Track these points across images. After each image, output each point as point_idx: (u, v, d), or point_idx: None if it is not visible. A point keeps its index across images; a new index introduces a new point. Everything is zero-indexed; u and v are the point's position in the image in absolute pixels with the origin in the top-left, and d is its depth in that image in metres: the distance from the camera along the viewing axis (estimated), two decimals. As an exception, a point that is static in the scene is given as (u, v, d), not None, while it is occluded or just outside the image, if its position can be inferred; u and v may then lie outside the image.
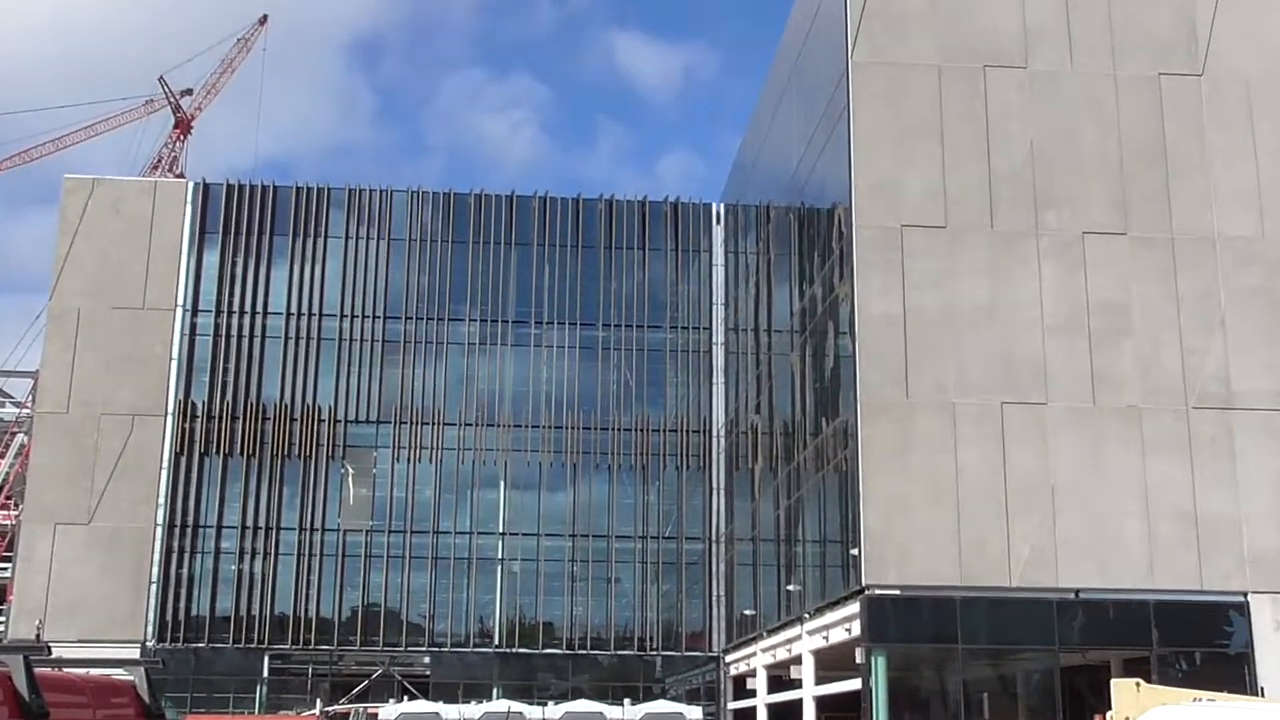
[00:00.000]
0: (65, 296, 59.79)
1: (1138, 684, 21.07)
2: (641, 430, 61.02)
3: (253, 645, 57.79)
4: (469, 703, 53.86)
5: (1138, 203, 36.38)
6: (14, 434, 69.34)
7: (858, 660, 34.12)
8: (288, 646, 58.16)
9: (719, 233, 63.16)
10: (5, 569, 63.70)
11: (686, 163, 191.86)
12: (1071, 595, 33.96)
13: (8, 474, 68.64)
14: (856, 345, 35.41)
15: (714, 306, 62.42)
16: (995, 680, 36.08)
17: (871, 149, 36.56)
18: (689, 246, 63.30)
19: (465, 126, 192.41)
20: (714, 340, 61.99)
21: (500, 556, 59.93)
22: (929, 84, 36.84)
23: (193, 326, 60.64)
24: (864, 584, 33.95)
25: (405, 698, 53.93)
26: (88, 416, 58.38)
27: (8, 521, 67.87)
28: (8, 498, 68.85)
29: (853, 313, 35.76)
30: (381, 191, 63.03)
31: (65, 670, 13.79)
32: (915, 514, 34.29)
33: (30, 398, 67.91)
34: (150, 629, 57.18)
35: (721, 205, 63.44)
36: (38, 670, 11.17)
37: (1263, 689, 32.51)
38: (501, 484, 60.68)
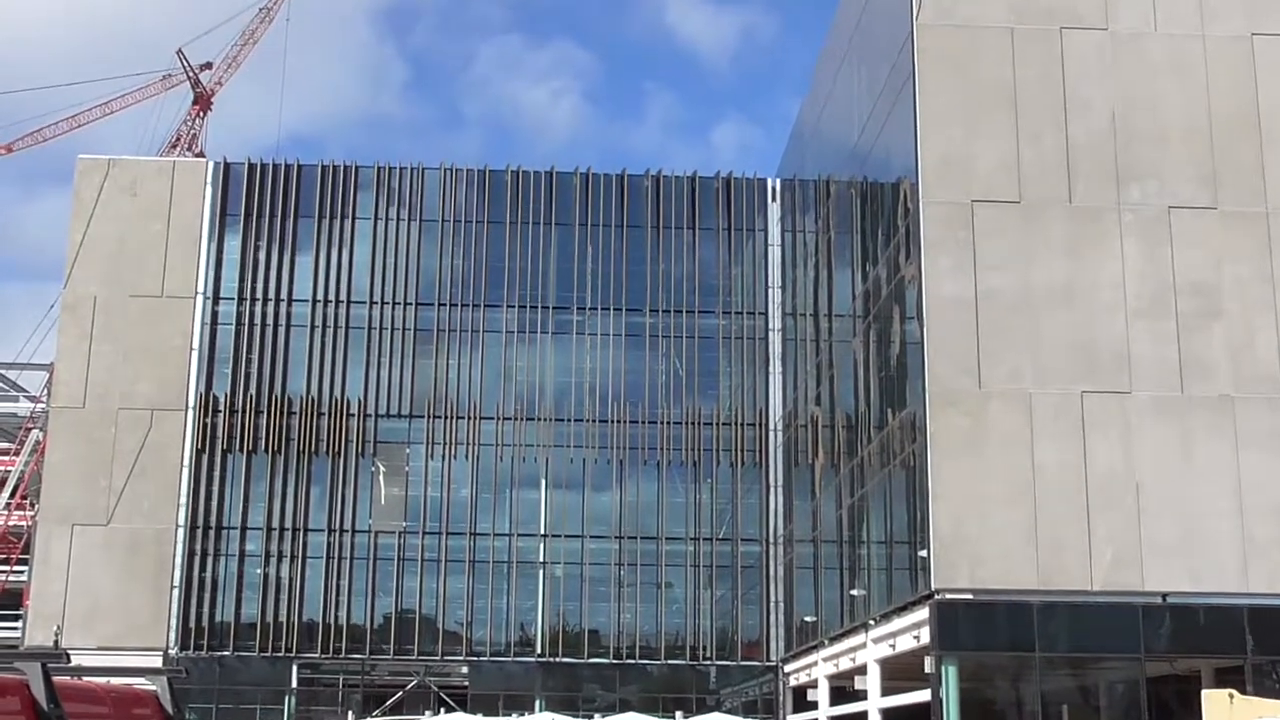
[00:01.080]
0: (80, 284, 60.45)
1: (1231, 695, 20.96)
2: (693, 424, 61.00)
3: (280, 654, 58.26)
4: (509, 715, 54.30)
5: (1229, 174, 36.04)
6: (29, 430, 70.10)
7: (927, 670, 34.08)
8: (317, 655, 58.58)
9: (775, 210, 62.97)
10: (21, 572, 64.36)
11: (743, 133, 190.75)
12: (1158, 600, 33.76)
13: (22, 473, 69.44)
14: (924, 331, 35.29)
15: (770, 290, 62.31)
16: (1075, 692, 36.02)
17: (939, 118, 36.44)
18: (743, 225, 63.16)
19: (503, 96, 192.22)
20: (770, 326, 61.87)
21: (542, 560, 60.08)
22: (1001, 47, 36.66)
23: (214, 315, 61.12)
24: (933, 588, 33.89)
25: (442, 710, 54.30)
26: (104, 411, 59.01)
27: (23, 523, 68.64)
28: (23, 497, 69.65)
29: (920, 296, 35.65)
30: (413, 169, 63.26)
31: (85, 679, 14.00)
32: (989, 513, 34.20)
33: (45, 392, 68.57)
34: (172, 636, 57.75)
35: (778, 180, 63.27)
36: (56, 679, 11.35)
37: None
38: (543, 482, 60.83)
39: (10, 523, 70.58)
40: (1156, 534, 34.01)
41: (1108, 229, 35.67)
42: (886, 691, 39.65)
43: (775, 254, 62.50)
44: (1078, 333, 35.18)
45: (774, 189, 63.34)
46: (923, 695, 35.06)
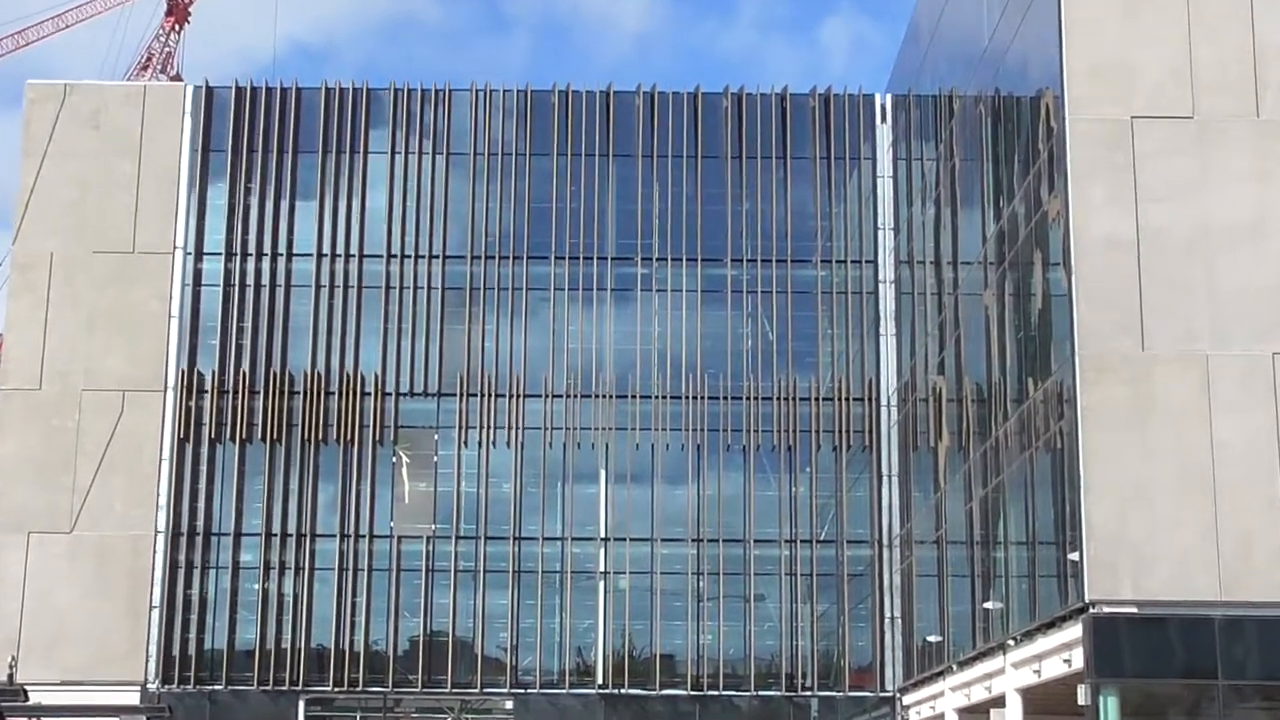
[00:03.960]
0: (33, 238, 60.88)
1: None
2: (786, 400, 60.85)
3: (284, 687, 58.61)
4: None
5: None
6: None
7: (1081, 701, 34.02)
8: (329, 689, 58.95)
9: (885, 134, 62.72)
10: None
11: (857, 29, 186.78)
12: (1374, 612, 33.58)
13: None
14: (1074, 280, 35.25)
15: (880, 233, 62.13)
16: (1269, 727, 35.67)
17: (1090, 14, 36.33)
18: (846, 153, 62.86)
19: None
20: (880, 278, 61.75)
21: (603, 569, 60.27)
22: (1168, -77, 36.43)
23: (197, 275, 61.46)
24: (1088, 600, 33.83)
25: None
26: (65, 394, 59.48)
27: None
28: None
29: (1067, 236, 35.57)
30: (438, 91, 63.36)
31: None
32: (1157, 505, 34.13)
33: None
34: (152, 667, 58.12)
35: (889, 97, 63.02)
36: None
37: None
38: (603, 474, 61.02)
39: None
40: (1370, 530, 33.68)
41: (1305, 149, 35.41)
42: (1031, 728, 39.63)
43: (886, 188, 62.24)
44: (1268, 279, 34.93)
45: (884, 107, 63.00)
46: (1076, 733, 34.90)
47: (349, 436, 60.61)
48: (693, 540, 60.14)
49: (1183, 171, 35.49)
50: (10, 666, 54.25)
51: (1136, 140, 35.63)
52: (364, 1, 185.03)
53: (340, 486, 60.40)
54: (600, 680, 59.29)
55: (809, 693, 59.12)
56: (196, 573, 59.39)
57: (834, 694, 59.08)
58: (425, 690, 59.19)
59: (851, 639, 59.52)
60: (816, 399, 61.08)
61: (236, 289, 61.50)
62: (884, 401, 60.73)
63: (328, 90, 63.04)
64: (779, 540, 60.10)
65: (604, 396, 61.12)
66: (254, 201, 62.21)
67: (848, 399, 61.02)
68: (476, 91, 63.42)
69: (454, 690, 59.10)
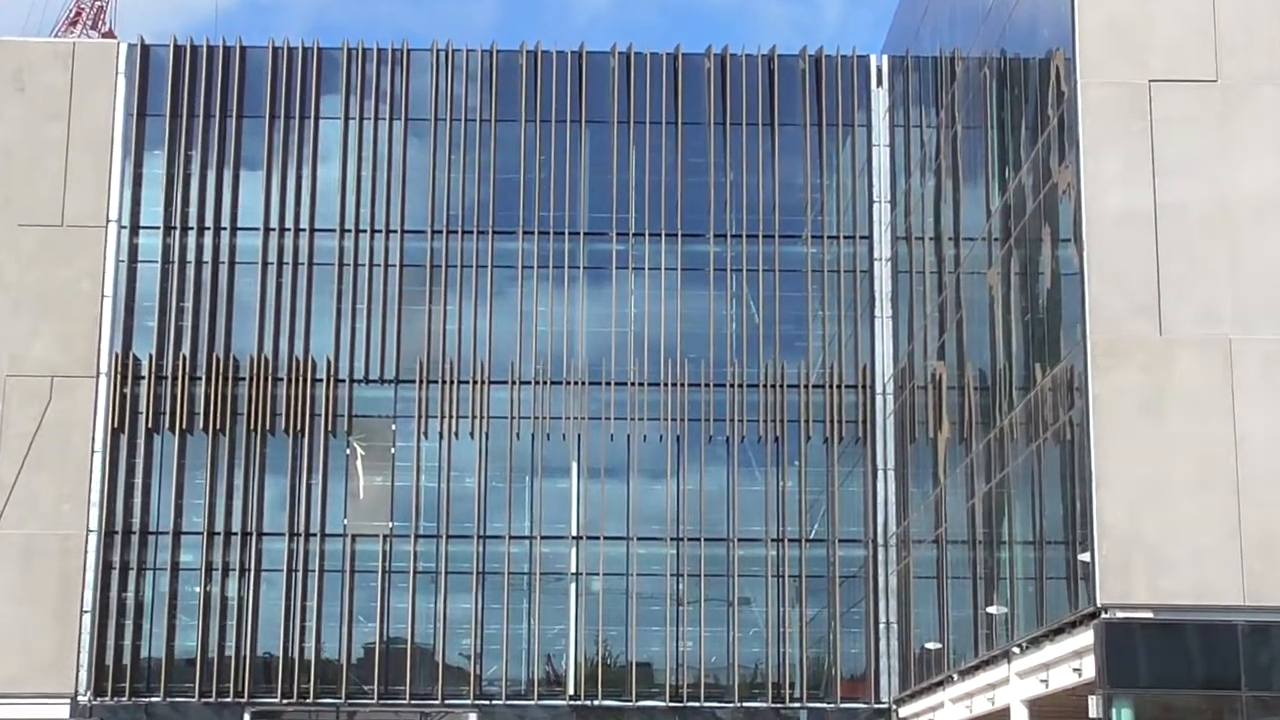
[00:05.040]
0: (-48, 211, 60.79)
1: None
2: (773, 387, 60.82)
3: (227, 699, 58.44)
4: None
5: None
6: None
7: (1092, 714, 34.01)
8: (277, 701, 58.84)
9: (881, 99, 62.71)
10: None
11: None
12: None
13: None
14: (1085, 258, 35.27)
15: (875, 206, 62.08)
16: (1297, 743, 35.77)
17: (1105, -32, 36.32)
18: (839, 120, 62.72)
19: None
20: (875, 255, 61.70)
21: (574, 570, 60.32)
22: None
23: (132, 250, 61.22)
24: (1100, 604, 33.88)
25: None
26: (-12, 380, 59.52)
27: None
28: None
29: (1079, 210, 35.58)
30: (396, 51, 63.15)
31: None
32: (1175, 502, 34.18)
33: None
34: (84, 677, 57.90)
35: (885, 58, 63.06)
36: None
37: None
38: (574, 467, 61.03)
39: None
40: (1407, 528, 33.78)
41: (1338, 115, 35.53)
42: (1038, 743, 39.78)
43: (882, 158, 62.22)
44: (1296, 257, 34.97)
45: (880, 70, 63.02)
46: (1087, 748, 35.08)
47: (299, 426, 60.46)
48: (672, 539, 60.15)
49: (1204, 140, 35.52)
50: (-72, 678, 54.11)
51: (1155, 106, 35.63)
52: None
53: (289, 481, 60.29)
54: (571, 691, 59.27)
55: (798, 704, 59.12)
56: (132, 574, 59.18)
57: (824, 705, 59.09)
58: (382, 702, 59.07)
59: (844, 646, 59.55)
60: (806, 386, 61.05)
61: (176, 266, 61.21)
62: (879, 389, 60.73)
63: (275, 49, 62.75)
64: (765, 539, 60.08)
65: (576, 383, 61.04)
66: (195, 171, 61.95)
67: (840, 386, 60.98)
68: (438, 52, 63.20)
69: (413, 702, 59.03)
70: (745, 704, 58.99)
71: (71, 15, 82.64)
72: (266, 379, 60.64)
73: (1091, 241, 35.26)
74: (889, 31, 63.95)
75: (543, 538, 60.25)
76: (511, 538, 60.13)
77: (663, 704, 59.02)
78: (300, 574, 59.57)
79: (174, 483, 59.94)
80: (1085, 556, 34.64)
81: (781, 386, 60.93)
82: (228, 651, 58.76)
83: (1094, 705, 33.88)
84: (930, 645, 51.77)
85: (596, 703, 59.01)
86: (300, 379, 60.68)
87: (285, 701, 58.78)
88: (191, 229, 61.51)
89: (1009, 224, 42.67)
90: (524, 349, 61.25)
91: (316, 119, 62.72)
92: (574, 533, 60.56)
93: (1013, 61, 43.16)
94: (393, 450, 60.89)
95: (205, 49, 62.67)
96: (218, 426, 60.27)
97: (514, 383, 60.97)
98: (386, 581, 59.77)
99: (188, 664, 58.79)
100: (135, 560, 59.33)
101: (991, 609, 43.65)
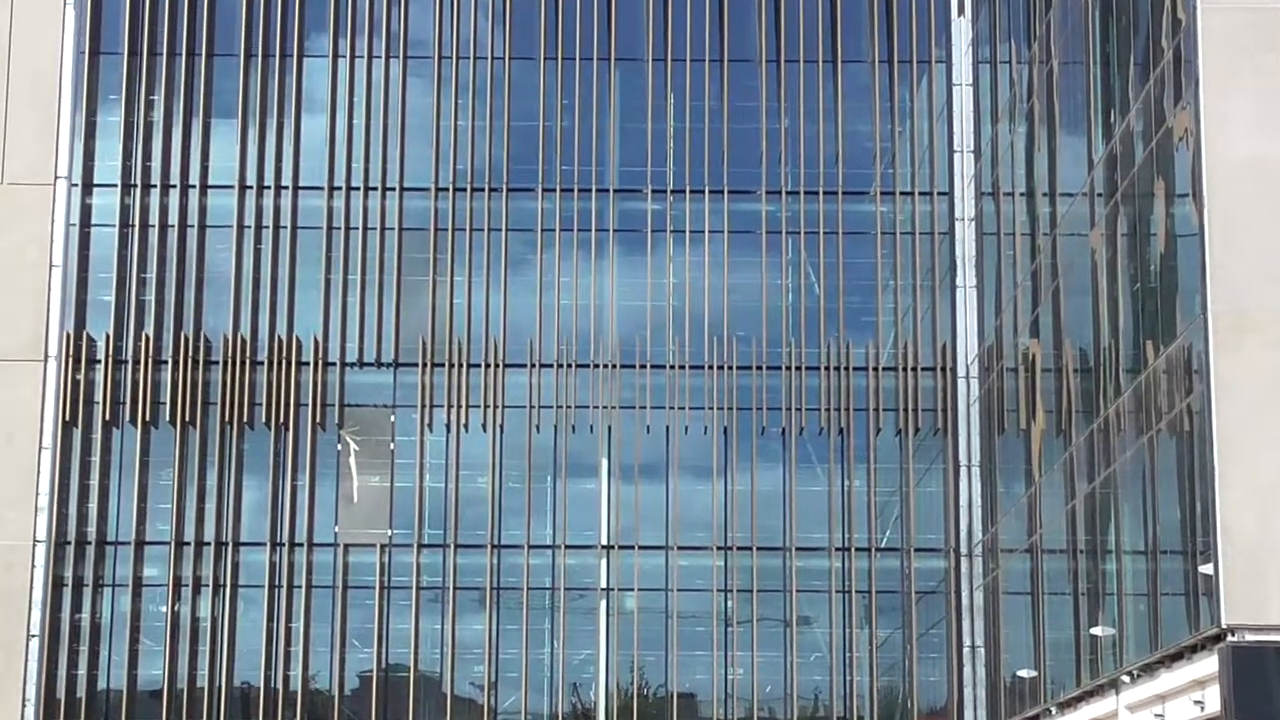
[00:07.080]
0: (-122, 169, 60.96)
1: None
2: (837, 369, 60.59)
3: (200, 736, 58.73)
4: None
5: None
6: None
7: (1218, 755, 33.79)
8: (257, 738, 58.95)
9: (964, 30, 62.31)
10: None
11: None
12: None
13: None
14: (1206, 216, 34.80)
15: (956, 157, 61.77)
16: None
17: None
18: (913, 56, 62.60)
19: None
20: (957, 215, 61.44)
21: (605, 586, 60.28)
22: None
23: (85, 212, 61.14)
24: (1225, 624, 33.50)
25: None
26: (-80, 365, 59.49)
27: None
28: None
29: (1198, 160, 35.16)
30: (392, -21, 63.26)
31: None
32: (1314, 504, 33.98)
33: None
34: (30, 712, 57.93)
35: (968, -15, 63.05)
36: None
37: None
38: (605, 465, 60.98)
39: None
40: None
41: None
42: (1153, 788, 39.75)
43: (965, 100, 61.84)
44: None
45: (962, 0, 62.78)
46: (1212, 795, 34.91)
47: (281, 418, 60.38)
48: (719, 549, 60.03)
49: (1348, 76, 35.47)
50: None
51: (1288, 36, 35.67)
52: None
53: (271, 482, 60.24)
54: (602, 725, 59.34)
55: (868, 740, 59.31)
56: (87, 591, 59.12)
57: (900, 742, 59.37)
58: (380, 740, 59.24)
59: (921, 673, 59.64)
60: (875, 369, 60.82)
61: (136, 230, 60.99)
62: (961, 372, 60.62)
63: (251, -23, 62.91)
64: (828, 549, 60.12)
65: (606, 366, 60.91)
66: (157, 119, 61.82)
67: (915, 369, 60.79)
68: (441, -21, 63.20)
69: (417, 739, 59.24)
70: (806, 740, 59.08)
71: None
72: (243, 363, 60.48)
73: (1214, 197, 34.78)
74: (972, -47, 63.75)
75: (567, 547, 60.11)
76: (531, 548, 60.04)
77: (709, 740, 59.14)
78: (284, 590, 59.48)
79: (136, 484, 59.86)
80: (1207, 569, 34.18)
81: (847, 369, 60.70)
82: (199, 682, 58.66)
83: (1220, 743, 33.80)
84: (1023, 673, 51.60)
85: (631, 739, 59.12)
86: (283, 362, 60.58)
87: (267, 739, 58.90)
88: (154, 187, 61.30)
89: (1115, 177, 42.39)
90: (544, 326, 61.06)
91: (300, 58, 62.63)
92: (604, 541, 60.44)
93: (1118, -15, 43.14)
94: (391, 446, 60.84)
95: (170, -23, 62.74)
96: (187, 418, 60.15)
97: (533, 366, 60.78)
98: (385, 599, 59.86)
99: (152, 696, 58.79)
100: (91, 575, 59.20)
101: (1096, 630, 43.43)
